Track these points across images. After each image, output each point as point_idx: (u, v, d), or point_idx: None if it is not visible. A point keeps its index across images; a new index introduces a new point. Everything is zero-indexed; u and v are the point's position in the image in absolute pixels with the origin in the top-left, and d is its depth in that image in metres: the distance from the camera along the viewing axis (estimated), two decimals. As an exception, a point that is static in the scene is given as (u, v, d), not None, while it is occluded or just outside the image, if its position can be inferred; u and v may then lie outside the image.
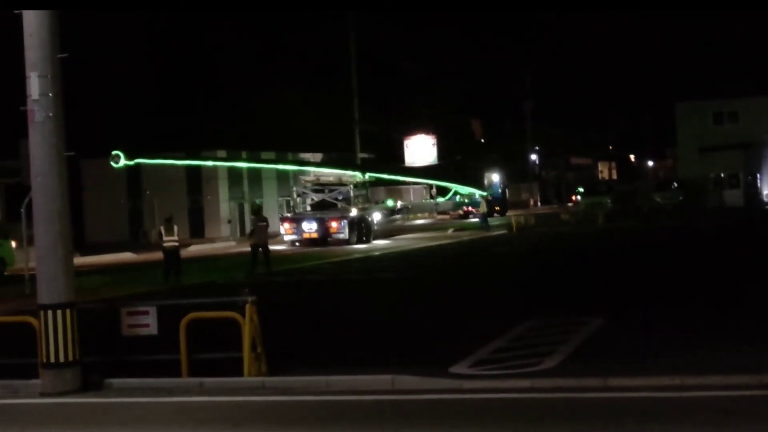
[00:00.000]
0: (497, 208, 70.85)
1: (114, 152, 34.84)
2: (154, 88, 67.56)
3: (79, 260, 41.54)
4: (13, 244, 37.39)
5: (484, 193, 69.15)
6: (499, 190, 74.98)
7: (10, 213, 44.86)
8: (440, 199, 69.24)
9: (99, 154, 53.07)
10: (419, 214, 72.11)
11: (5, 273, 36.65)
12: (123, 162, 34.98)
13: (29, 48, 13.23)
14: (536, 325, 16.57)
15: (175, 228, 30.44)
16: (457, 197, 69.48)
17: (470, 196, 68.99)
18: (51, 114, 13.23)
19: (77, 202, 60.78)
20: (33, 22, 13.20)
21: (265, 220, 33.01)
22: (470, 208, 69.18)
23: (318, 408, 12.04)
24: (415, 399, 12.06)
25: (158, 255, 33.26)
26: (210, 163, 54.67)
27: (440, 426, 10.76)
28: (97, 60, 64.36)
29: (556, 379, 12.32)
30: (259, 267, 31.34)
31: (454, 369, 13.34)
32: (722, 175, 66.48)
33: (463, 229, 55.72)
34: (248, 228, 36.73)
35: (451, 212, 72.05)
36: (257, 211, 34.01)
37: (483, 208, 58.23)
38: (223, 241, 57.42)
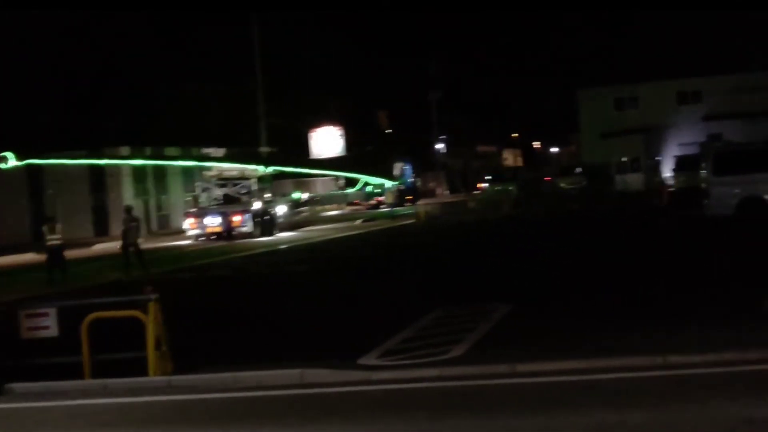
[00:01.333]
0: (409, 197, 71.50)
1: (1, 153, 34.33)
2: (56, 85, 66.22)
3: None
4: None
5: (394, 183, 69.62)
6: (410, 180, 75.61)
7: None
8: (350, 190, 69.53)
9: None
10: (328, 206, 72.05)
11: None
12: (12, 163, 34.57)
13: None
14: (444, 315, 16.59)
15: (58, 227, 31.06)
16: (368, 188, 69.77)
17: (381, 186, 69.38)
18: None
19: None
20: None
21: (136, 219, 33.37)
22: (381, 198, 69.62)
23: (225, 405, 11.88)
24: (323, 392, 11.97)
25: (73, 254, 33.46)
26: (104, 161, 54.00)
27: (349, 418, 10.69)
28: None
29: (464, 367, 12.34)
30: (134, 268, 31.44)
31: (362, 360, 13.27)
32: (624, 159, 67.63)
33: (373, 219, 55.79)
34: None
35: (362, 202, 72.36)
36: (128, 210, 33.98)
37: (389, 199, 58.54)
38: (129, 239, 56.46)
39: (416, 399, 11.29)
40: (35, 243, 47.07)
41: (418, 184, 79.87)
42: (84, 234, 56.95)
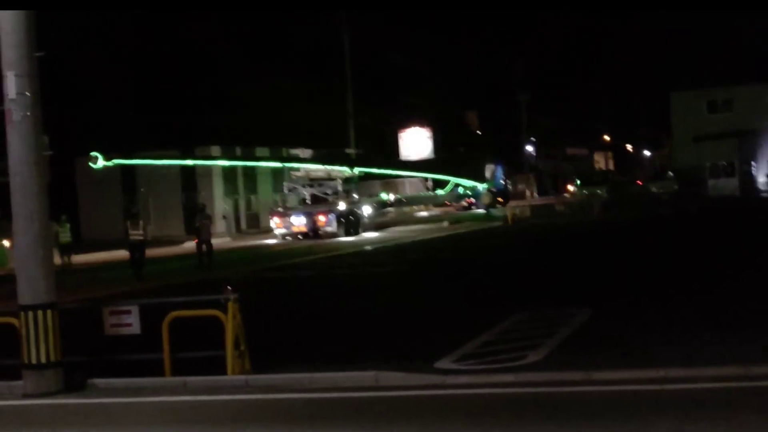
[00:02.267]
0: (500, 199, 71.80)
1: (92, 153, 35.49)
2: (149, 85, 67.42)
3: (73, 258, 41.61)
4: (6, 243, 37.27)
5: (485, 185, 69.88)
6: (502, 182, 75.73)
7: (3, 212, 44.70)
8: (440, 192, 70.00)
9: (94, 152, 53.02)
10: (415, 207, 72.18)
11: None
12: (101, 163, 35.70)
13: (6, 47, 13.12)
14: (525, 318, 16.48)
15: (141, 222, 32.11)
16: (460, 189, 70.29)
17: (472, 188, 69.91)
18: (28, 113, 13.11)
19: (73, 201, 60.76)
20: (9, 21, 13.08)
21: (209, 217, 34.52)
22: (472, 200, 70.16)
23: (301, 405, 11.96)
24: (397, 395, 11.97)
25: (153, 252, 34.38)
26: (190, 161, 55.23)
27: (421, 422, 10.67)
28: (92, 58, 64.33)
29: (540, 373, 12.23)
30: (204, 266, 32.61)
31: (439, 364, 13.25)
32: (718, 163, 66.31)
33: (458, 221, 55.62)
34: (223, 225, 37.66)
35: (454, 204, 72.78)
36: (201, 208, 34.73)
37: (486, 200, 58.97)
38: (218, 237, 57.24)
39: (488, 405, 11.23)
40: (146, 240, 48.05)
41: (509, 186, 79.93)
42: (175, 232, 57.85)
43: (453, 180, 69.87)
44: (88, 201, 62.41)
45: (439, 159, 77.04)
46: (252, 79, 69.07)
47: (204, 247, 33.42)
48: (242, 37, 72.72)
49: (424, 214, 69.98)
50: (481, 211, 60.63)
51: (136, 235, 31.41)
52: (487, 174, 74.14)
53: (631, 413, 10.30)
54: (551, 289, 20.85)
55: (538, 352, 13.43)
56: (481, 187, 70.01)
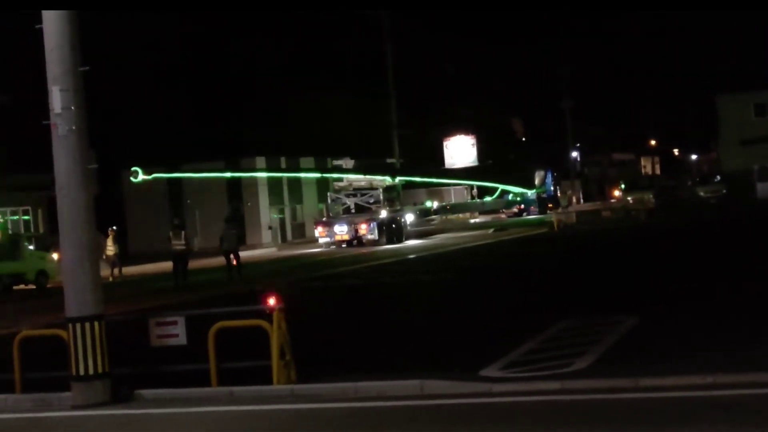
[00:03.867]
0: (550, 205, 72.62)
1: (132, 168, 36.24)
2: (195, 98, 67.94)
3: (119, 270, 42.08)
4: (55, 256, 37.71)
5: (533, 191, 70.56)
6: (551, 188, 76.48)
7: (52, 225, 45.30)
8: (487, 199, 70.61)
9: (140, 165, 53.55)
10: (461, 215, 72.29)
11: (47, 285, 36.97)
12: (141, 177, 36.40)
13: (50, 62, 13.29)
14: (570, 326, 16.37)
15: (183, 233, 32.99)
16: (509, 196, 71.15)
17: (522, 195, 70.91)
18: (74, 127, 13.27)
19: (120, 214, 61.37)
20: (54, 37, 13.26)
21: (235, 227, 35.04)
22: (522, 206, 71.18)
23: (346, 415, 11.97)
24: (443, 404, 11.94)
25: (197, 263, 34.50)
26: (228, 174, 56.24)
27: (467, 430, 10.64)
28: (140, 72, 65.00)
29: (586, 381, 12.13)
30: (233, 273, 33.13)
31: (484, 372, 13.19)
32: (766, 166, 65.50)
33: (503, 228, 55.45)
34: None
35: (505, 210, 73.62)
36: (229, 218, 35.25)
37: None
38: (265, 247, 57.61)
39: (534, 412, 11.17)
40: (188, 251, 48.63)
41: (559, 192, 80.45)
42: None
43: (501, 187, 70.28)
44: (135, 213, 63.00)
45: (484, 166, 77.23)
46: (297, 90, 69.38)
47: (233, 258, 33.78)
48: (287, 49, 73.08)
49: (476, 220, 70.39)
50: (533, 216, 61.70)
51: (178, 245, 32.31)
52: (537, 180, 74.63)
53: (679, 420, 10.20)
54: (597, 296, 20.71)
55: (584, 360, 13.33)
56: (530, 193, 70.91)
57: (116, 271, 40.79)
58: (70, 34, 13.28)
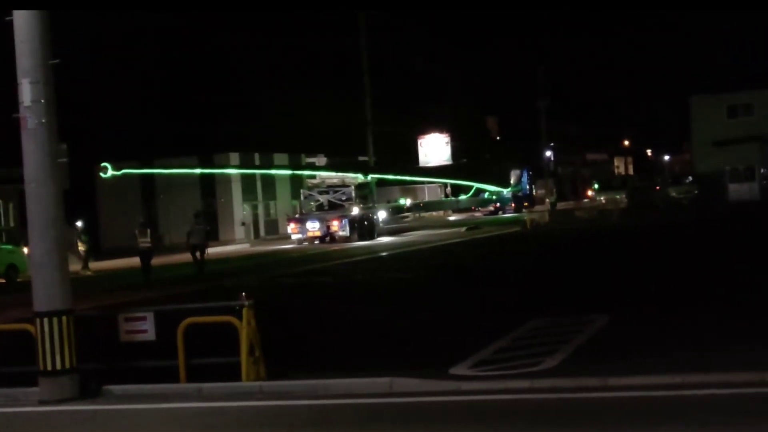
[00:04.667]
0: (526, 203, 73.48)
1: (102, 164, 36.90)
2: (169, 92, 67.69)
3: (93, 265, 41.89)
4: (25, 250, 37.41)
5: (509, 190, 71.26)
6: (527, 187, 77.20)
7: (23, 219, 45.05)
8: (462, 197, 71.31)
9: (114, 160, 53.33)
10: (434, 213, 72.47)
11: (17, 279, 36.69)
12: (110, 173, 37.18)
13: (21, 55, 13.18)
14: (541, 325, 16.40)
15: (148, 231, 33.84)
16: (485, 194, 71.96)
17: (498, 193, 71.70)
18: (44, 120, 13.16)
19: (92, 208, 61.03)
20: (24, 29, 13.15)
21: (203, 223, 35.52)
22: (498, 205, 71.86)
23: (315, 412, 11.95)
24: (412, 401, 11.93)
25: (172, 258, 36.85)
26: (198, 170, 56.65)
27: (435, 428, 10.66)
28: (113, 66, 64.66)
29: (555, 379, 12.16)
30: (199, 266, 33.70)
31: (454, 370, 13.20)
32: (738, 168, 65.99)
33: (476, 227, 55.53)
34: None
35: (480, 209, 74.36)
36: (197, 214, 36.02)
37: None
38: (238, 243, 57.44)
39: (503, 411, 11.18)
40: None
41: (535, 191, 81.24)
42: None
43: (475, 185, 70.80)
44: (108, 208, 62.64)
45: (459, 165, 77.61)
46: (271, 86, 69.28)
47: (198, 254, 34.13)
48: (261, 45, 72.88)
49: (453, 218, 70.81)
50: (509, 215, 62.68)
51: (144, 242, 33.03)
52: (513, 179, 75.28)
53: (646, 419, 10.25)
54: (568, 296, 20.76)
55: (554, 358, 13.36)
56: (506, 191, 71.65)
57: (84, 265, 40.74)
58: (40, 26, 13.16)
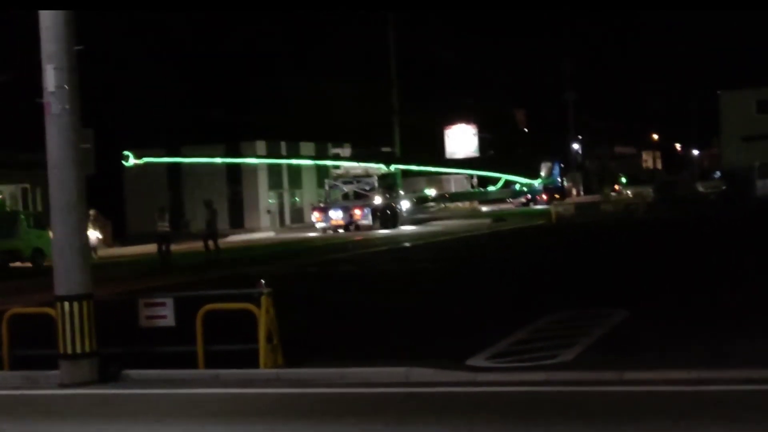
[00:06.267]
0: (557, 196, 74.24)
1: (124, 152, 37.33)
2: (197, 81, 67.89)
3: (118, 251, 42.18)
4: (51, 234, 37.72)
5: (540, 182, 71.93)
6: (558, 180, 77.93)
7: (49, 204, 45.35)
8: (491, 188, 71.90)
9: (140, 147, 53.63)
10: (459, 204, 72.55)
11: (44, 264, 36.96)
12: (132, 161, 37.60)
13: (45, 40, 13.27)
14: (560, 318, 16.37)
15: (167, 215, 34.56)
16: (516, 186, 72.78)
17: (529, 185, 72.58)
18: (67, 106, 13.25)
19: (119, 195, 61.40)
20: (48, 15, 13.23)
21: (215, 212, 35.76)
22: (529, 197, 72.67)
23: (331, 400, 11.99)
24: (427, 392, 11.95)
25: (197, 245, 36.67)
26: (219, 160, 57.08)
27: (449, 418, 10.66)
28: (142, 55, 64.94)
29: (571, 373, 12.15)
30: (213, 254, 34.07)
31: (471, 361, 13.21)
32: (767, 163, 65.45)
33: (502, 219, 55.42)
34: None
35: (512, 200, 75.12)
36: (208, 204, 36.19)
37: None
38: (263, 231, 57.65)
39: (518, 403, 11.19)
40: (174, 232, 48.82)
41: (566, 183, 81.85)
42: (220, 225, 58.19)
43: (504, 177, 71.28)
44: (134, 195, 62.95)
45: (486, 157, 77.73)
46: (299, 75, 69.35)
47: (210, 242, 34.52)
48: (290, 34, 72.97)
49: (484, 209, 71.26)
50: (540, 207, 63.49)
51: (162, 227, 33.49)
52: (543, 172, 75.95)
53: (661, 414, 10.22)
54: (589, 289, 20.70)
55: (571, 351, 13.34)
56: (537, 183, 72.62)
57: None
58: (64, 12, 13.24)
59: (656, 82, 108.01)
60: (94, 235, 41.16)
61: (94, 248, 41.17)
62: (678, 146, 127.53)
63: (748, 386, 11.05)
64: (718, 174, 71.88)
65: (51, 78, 13.16)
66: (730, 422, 9.75)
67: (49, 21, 13.20)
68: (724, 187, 67.07)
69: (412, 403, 11.57)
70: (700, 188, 70.31)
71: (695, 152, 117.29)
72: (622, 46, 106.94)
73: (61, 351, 13.46)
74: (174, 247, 37.01)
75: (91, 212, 41.52)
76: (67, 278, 13.40)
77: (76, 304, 13.33)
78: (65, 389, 13.36)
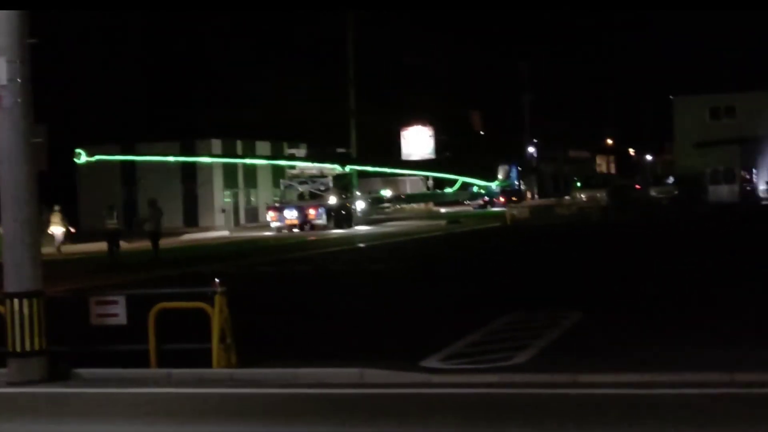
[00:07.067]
0: (514, 198, 75.11)
1: (76, 150, 37.34)
2: (153, 77, 67.42)
3: (69, 248, 41.67)
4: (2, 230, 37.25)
5: (497, 184, 72.65)
6: (516, 182, 78.75)
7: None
8: (448, 190, 72.61)
9: (94, 143, 53.09)
10: (415, 205, 72.80)
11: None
12: (84, 159, 37.61)
13: (-2, 33, 13.05)
14: (515, 320, 16.41)
15: (115, 213, 35.10)
16: (473, 188, 73.62)
17: (486, 187, 73.37)
18: (19, 100, 13.04)
19: (71, 191, 60.70)
20: (2, 8, 13.01)
21: (159, 210, 35.77)
22: (486, 199, 73.38)
23: (285, 401, 11.91)
24: (381, 392, 11.91)
25: (146, 243, 36.08)
26: (172, 158, 56.83)
27: (403, 419, 10.64)
28: (98, 50, 64.35)
29: (525, 375, 12.16)
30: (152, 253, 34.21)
31: (425, 363, 13.18)
32: (718, 169, 66.21)
33: (456, 221, 55.53)
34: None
35: (470, 202, 75.91)
36: (152, 202, 36.36)
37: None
38: (218, 230, 57.29)
39: (471, 405, 11.17)
40: (126, 230, 48.44)
41: (523, 187, 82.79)
42: (174, 224, 57.80)
43: (461, 179, 71.88)
44: (88, 191, 62.29)
45: (442, 158, 78.11)
46: (256, 74, 69.08)
47: (154, 240, 34.68)
48: (247, 32, 72.65)
49: (442, 210, 71.72)
50: (498, 209, 64.45)
51: (111, 224, 34.08)
52: (500, 174, 76.84)
53: (614, 417, 10.27)
54: (543, 291, 20.77)
55: (525, 353, 13.36)
56: (494, 185, 73.56)
57: (60, 248, 40.71)
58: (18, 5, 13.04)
59: (611, 87, 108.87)
60: (59, 230, 41.00)
61: (60, 243, 40.98)
62: (632, 151, 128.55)
63: (701, 389, 11.12)
64: (671, 179, 72.53)
65: (3, 71, 12.94)
66: (683, 426, 9.79)
67: (2, 13, 12.98)
68: (676, 192, 67.74)
69: (367, 404, 11.51)
70: (653, 193, 70.96)
71: (649, 157, 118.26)
72: (578, 49, 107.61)
73: (10, 349, 13.22)
74: (126, 245, 36.82)
75: (56, 208, 41.30)
76: (17, 274, 13.17)
77: (26, 301, 13.10)
78: (14, 387, 13.13)
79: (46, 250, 38.43)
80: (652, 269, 24.45)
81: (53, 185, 38.40)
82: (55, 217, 41.14)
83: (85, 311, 14.07)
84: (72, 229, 42.07)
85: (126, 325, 13.90)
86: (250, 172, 64.40)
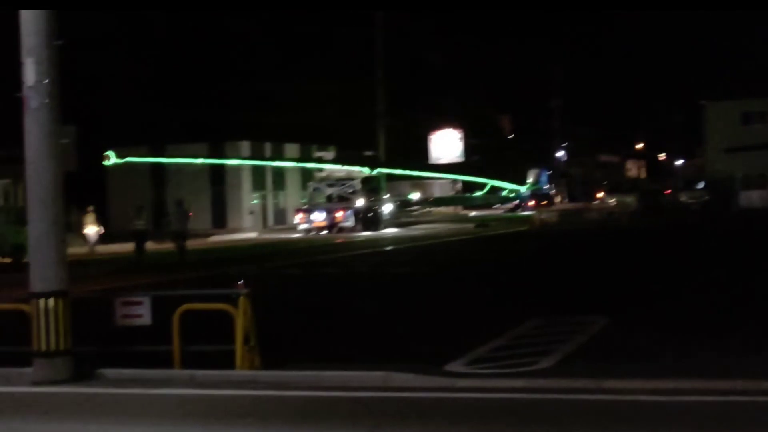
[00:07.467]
0: (545, 202, 75.47)
1: (106, 152, 37.82)
2: (183, 80, 67.67)
3: (99, 248, 41.96)
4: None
5: (527, 188, 73.03)
6: (545, 186, 79.14)
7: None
8: (478, 193, 73.10)
9: (124, 145, 53.41)
10: (443, 209, 72.92)
11: (23, 260, 36.64)
12: (113, 160, 38.11)
13: (25, 34, 13.07)
14: (541, 324, 16.31)
15: (143, 213, 35.60)
16: (504, 192, 74.18)
17: (516, 191, 73.91)
18: (46, 101, 13.08)
19: (101, 193, 61.06)
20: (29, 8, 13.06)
21: (185, 212, 35.87)
22: (517, 202, 73.79)
23: (307, 403, 11.85)
24: (405, 396, 11.84)
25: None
26: (200, 160, 57.27)
27: (426, 423, 10.56)
28: (129, 53, 64.68)
29: (550, 380, 12.06)
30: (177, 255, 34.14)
31: (449, 367, 13.11)
32: (750, 175, 65.72)
33: (485, 224, 55.38)
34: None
35: (501, 206, 76.32)
36: (179, 202, 36.60)
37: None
38: (246, 232, 57.47)
39: (496, 409, 11.08)
40: (155, 232, 48.64)
41: (553, 190, 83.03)
42: (203, 225, 58.04)
43: (490, 183, 72.15)
44: (117, 192, 62.65)
45: (471, 162, 78.14)
46: (285, 76, 69.19)
47: (180, 241, 34.59)
48: (276, 34, 72.81)
49: (472, 213, 71.90)
50: (528, 213, 64.80)
51: (139, 224, 34.51)
52: (530, 178, 77.14)
53: (638, 423, 10.14)
54: (570, 296, 20.65)
55: (551, 358, 13.27)
56: (524, 189, 73.98)
57: (93, 248, 41.06)
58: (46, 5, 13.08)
59: (643, 92, 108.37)
60: (93, 230, 41.46)
61: (94, 244, 41.50)
62: (662, 156, 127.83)
63: (726, 397, 10.97)
64: (701, 184, 72.00)
65: (31, 72, 12.98)
66: (707, 433, 9.68)
67: (29, 14, 13.03)
68: (707, 198, 67.22)
69: (391, 407, 11.44)
70: (683, 198, 70.48)
71: (679, 162, 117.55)
72: (609, 53, 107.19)
73: (36, 348, 13.26)
74: (153, 246, 36.96)
75: (90, 209, 41.77)
76: (43, 274, 13.21)
77: (51, 301, 13.14)
78: (38, 387, 13.15)
79: (81, 250, 39.00)
80: (681, 275, 24.23)
81: (83, 187, 38.73)
82: (89, 218, 41.55)
83: (110, 312, 14.10)
84: (98, 230, 42.39)
85: (151, 326, 13.92)
86: (279, 174, 64.56)
